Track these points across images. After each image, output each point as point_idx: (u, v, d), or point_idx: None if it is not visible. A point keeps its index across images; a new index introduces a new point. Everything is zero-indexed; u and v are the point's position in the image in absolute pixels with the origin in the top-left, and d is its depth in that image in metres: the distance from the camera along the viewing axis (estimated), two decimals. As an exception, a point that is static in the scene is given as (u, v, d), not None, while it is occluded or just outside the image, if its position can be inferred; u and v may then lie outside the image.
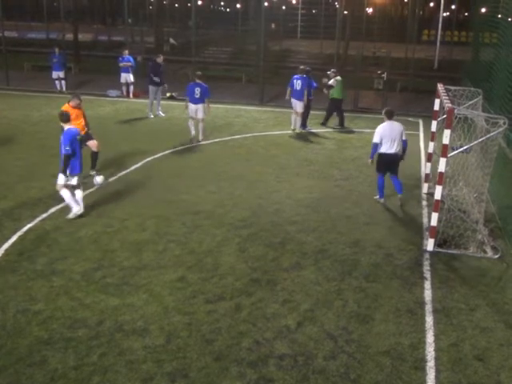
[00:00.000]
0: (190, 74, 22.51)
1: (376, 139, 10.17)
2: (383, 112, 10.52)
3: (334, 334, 6.12)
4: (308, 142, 15.13)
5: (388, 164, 10.30)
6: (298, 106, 15.72)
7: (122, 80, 20.90)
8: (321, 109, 17.68)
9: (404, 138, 10.26)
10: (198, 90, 14.17)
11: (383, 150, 10.21)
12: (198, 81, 14.37)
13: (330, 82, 16.48)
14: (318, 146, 14.71)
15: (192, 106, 14.35)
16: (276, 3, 38.84)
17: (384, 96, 20.60)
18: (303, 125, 16.28)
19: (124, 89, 21.21)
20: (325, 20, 32.10)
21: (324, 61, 30.65)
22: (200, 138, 14.65)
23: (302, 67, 16.08)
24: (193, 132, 14.56)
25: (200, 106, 14.31)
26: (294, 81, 15.63)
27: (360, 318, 6.46)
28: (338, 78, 16.56)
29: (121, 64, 20.69)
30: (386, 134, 10.13)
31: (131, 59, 20.75)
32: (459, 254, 8.29)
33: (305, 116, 16.23)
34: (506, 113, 10.32)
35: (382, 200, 10.56)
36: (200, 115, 14.41)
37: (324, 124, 17.03)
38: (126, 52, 20.90)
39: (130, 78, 20.78)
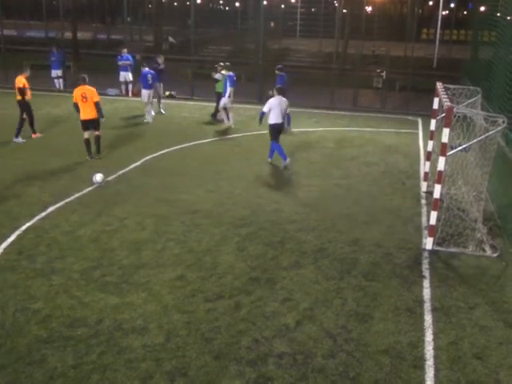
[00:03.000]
0: (188, 73, 22.52)
1: (265, 109, 12.15)
2: (275, 89, 12.40)
3: (333, 333, 6.12)
4: (307, 140, 15.13)
5: (277, 132, 12.30)
6: (227, 101, 16.02)
7: (121, 79, 20.91)
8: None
9: (288, 112, 12.55)
10: (149, 77, 16.42)
11: (273, 121, 12.16)
12: (147, 68, 16.67)
13: (216, 75, 16.81)
14: (317, 144, 14.71)
15: (145, 92, 16.49)
16: (275, 2, 38.78)
17: (383, 95, 20.62)
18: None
19: (123, 87, 21.21)
20: (324, 19, 32.06)
21: (323, 59, 30.65)
22: (151, 120, 16.74)
23: (222, 64, 16.54)
24: (151, 119, 16.70)
25: (152, 91, 16.62)
26: (231, 79, 15.82)
27: (359, 317, 6.47)
28: (224, 72, 16.63)
29: (120, 63, 20.69)
30: (276, 106, 12.07)
31: (130, 58, 20.75)
32: (458, 253, 8.29)
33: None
34: (505, 111, 10.32)
35: (288, 161, 12.27)
36: (151, 99, 16.69)
37: (214, 116, 17.21)
38: (125, 51, 20.89)
39: (129, 76, 20.78)
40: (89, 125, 12.39)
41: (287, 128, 12.50)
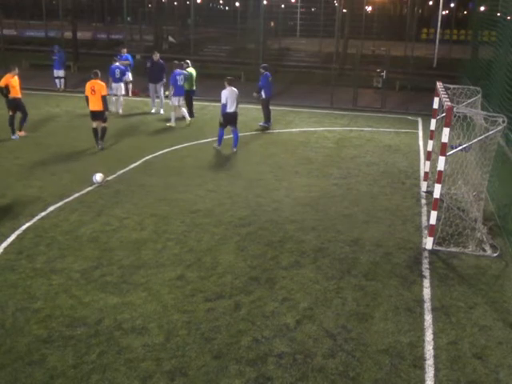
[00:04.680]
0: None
1: (223, 101, 13.19)
2: (225, 80, 13.39)
3: (333, 333, 6.13)
4: (307, 140, 15.13)
5: (230, 120, 13.38)
6: (180, 100, 16.18)
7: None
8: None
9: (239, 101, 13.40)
10: (117, 71, 17.61)
11: (229, 110, 13.20)
12: (117, 63, 17.91)
13: None
14: (317, 144, 14.71)
15: (114, 85, 17.62)
16: (275, 2, 38.76)
17: (383, 94, 20.61)
18: (268, 120, 16.51)
19: (123, 87, 21.04)
20: (324, 18, 32.01)
21: (323, 59, 30.64)
22: (120, 112, 17.72)
23: (177, 62, 16.82)
24: (114, 109, 17.56)
25: (121, 85, 17.75)
26: (177, 77, 16.01)
27: (359, 317, 6.47)
28: (189, 69, 16.98)
29: (118, 62, 20.53)
30: (229, 97, 13.15)
31: (129, 57, 20.66)
32: (458, 253, 8.29)
33: (267, 112, 16.48)
34: (504, 111, 10.32)
35: (219, 147, 13.59)
36: (120, 92, 17.80)
37: (191, 116, 17.33)
38: (125, 50, 20.79)
39: (129, 76, 20.66)
40: (96, 116, 13.29)
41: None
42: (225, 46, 34.38)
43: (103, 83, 13.32)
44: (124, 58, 20.48)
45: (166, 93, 19.62)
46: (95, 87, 13.10)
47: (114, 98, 17.79)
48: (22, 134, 14.42)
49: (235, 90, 13.35)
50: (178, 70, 16.16)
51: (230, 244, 8.29)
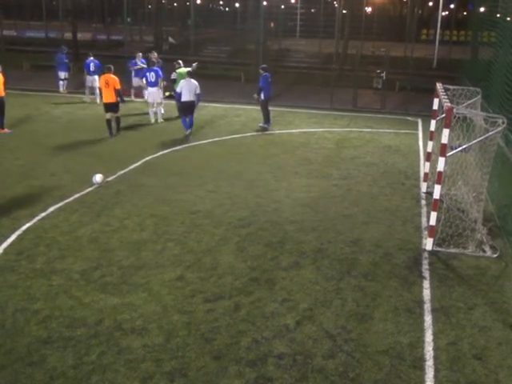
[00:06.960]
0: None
1: (178, 89, 14.83)
2: (186, 74, 15.06)
3: (332, 333, 6.13)
4: (306, 141, 15.14)
5: (187, 108, 14.80)
6: (156, 96, 16.77)
7: (135, 84, 19.83)
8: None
9: (198, 92, 14.82)
10: (92, 65, 18.80)
11: (184, 98, 14.64)
12: (91, 58, 19.22)
13: (172, 75, 17.52)
14: (317, 145, 14.71)
15: (89, 78, 19.09)
16: (275, 2, 38.77)
17: (383, 95, 20.62)
18: (267, 121, 16.48)
19: (133, 91, 20.26)
20: (324, 19, 32.05)
21: (323, 60, 30.67)
22: (98, 101, 18.66)
23: (180, 62, 17.64)
24: (88, 99, 19.23)
25: (96, 77, 18.56)
26: (147, 73, 16.78)
27: (359, 317, 6.47)
28: (179, 70, 17.24)
29: (135, 67, 19.87)
30: (185, 87, 14.60)
31: (144, 62, 19.95)
32: (458, 253, 8.29)
33: (266, 112, 16.45)
34: (504, 112, 10.33)
35: (188, 131, 14.86)
36: (95, 84, 18.87)
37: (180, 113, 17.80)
38: (140, 55, 19.89)
39: (143, 82, 20.14)
40: (109, 107, 14.51)
41: (197, 104, 15.08)
42: (225, 47, 34.36)
43: (116, 77, 14.44)
44: (142, 63, 19.78)
45: (166, 93, 19.67)
46: (109, 81, 14.27)
47: (87, 91, 19.55)
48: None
49: (194, 81, 14.69)
50: (155, 68, 16.87)
51: (230, 245, 8.29)
